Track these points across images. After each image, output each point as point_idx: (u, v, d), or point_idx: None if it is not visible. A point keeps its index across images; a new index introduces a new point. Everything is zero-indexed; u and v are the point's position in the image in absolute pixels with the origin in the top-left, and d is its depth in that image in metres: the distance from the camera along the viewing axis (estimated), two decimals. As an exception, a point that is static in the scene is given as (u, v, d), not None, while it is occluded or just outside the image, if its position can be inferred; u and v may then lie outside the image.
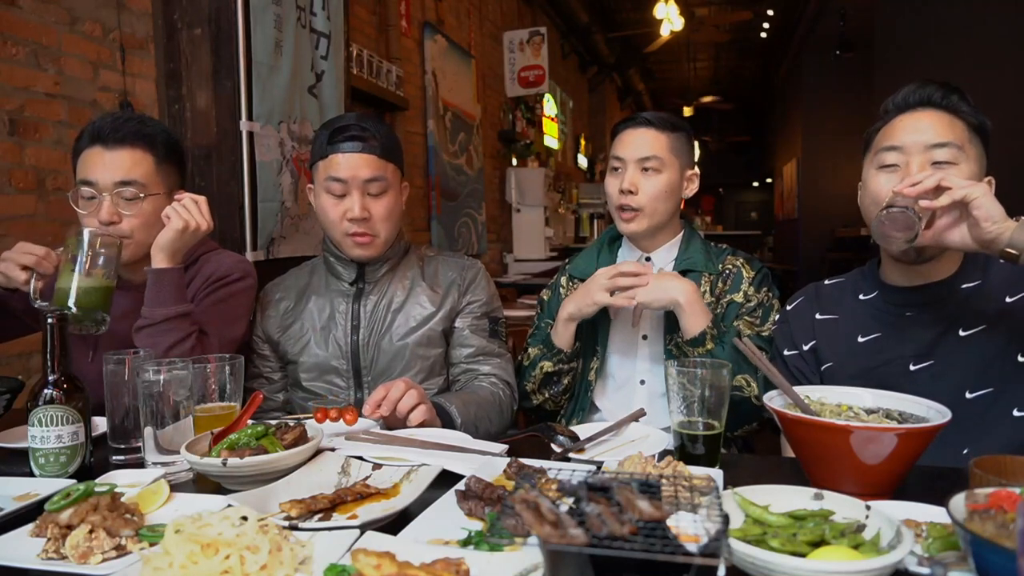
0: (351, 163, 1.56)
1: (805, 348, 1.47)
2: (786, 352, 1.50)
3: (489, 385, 1.64)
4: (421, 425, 1.35)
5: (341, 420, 1.32)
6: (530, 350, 1.73)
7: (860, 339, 1.40)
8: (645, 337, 1.72)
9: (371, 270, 1.67)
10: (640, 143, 1.68)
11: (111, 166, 1.55)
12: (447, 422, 1.45)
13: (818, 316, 1.48)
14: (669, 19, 8.21)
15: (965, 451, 1.22)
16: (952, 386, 1.26)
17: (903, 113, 1.32)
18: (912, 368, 1.32)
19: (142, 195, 1.57)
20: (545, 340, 1.69)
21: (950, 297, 1.33)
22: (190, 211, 1.52)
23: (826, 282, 1.55)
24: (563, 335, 1.65)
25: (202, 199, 1.56)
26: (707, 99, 13.54)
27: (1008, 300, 1.30)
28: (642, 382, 1.71)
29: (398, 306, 1.67)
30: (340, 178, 1.56)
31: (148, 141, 1.60)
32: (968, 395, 1.27)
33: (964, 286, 1.33)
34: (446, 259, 1.76)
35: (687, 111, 13.17)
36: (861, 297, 1.44)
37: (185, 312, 1.51)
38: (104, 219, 1.54)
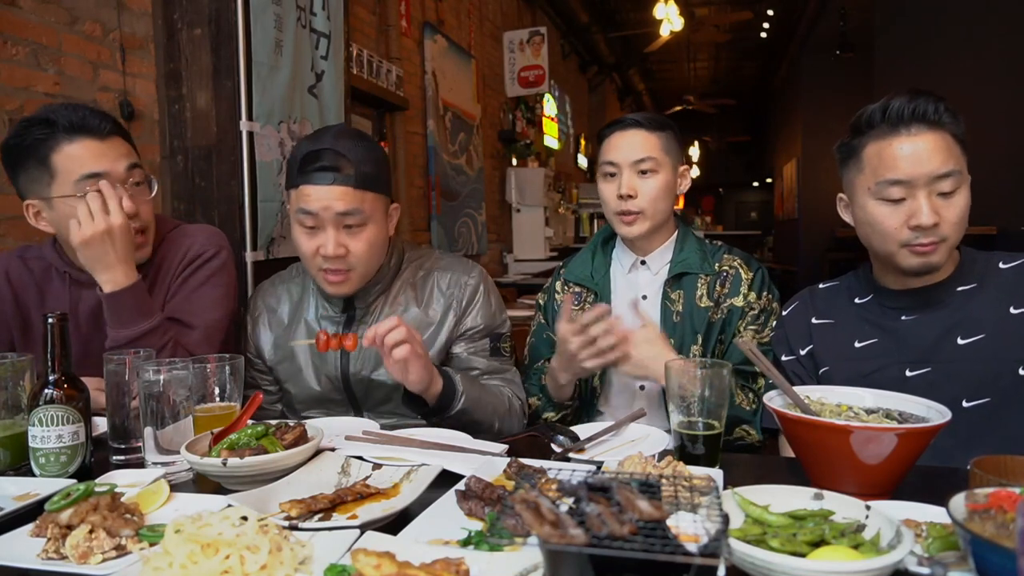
0: (322, 196, 1.42)
1: (802, 353, 1.46)
2: (784, 358, 1.49)
3: (496, 384, 1.61)
4: (410, 372, 1.33)
5: (342, 348, 1.37)
6: (531, 399, 1.71)
7: (856, 344, 1.39)
8: None
9: (361, 296, 1.59)
10: (633, 145, 1.66)
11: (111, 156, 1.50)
12: (449, 388, 1.42)
13: (814, 320, 1.47)
14: (669, 19, 8.20)
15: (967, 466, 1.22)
16: (949, 394, 1.25)
17: (898, 133, 1.28)
18: (909, 374, 1.32)
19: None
20: (543, 392, 1.68)
21: (947, 300, 1.33)
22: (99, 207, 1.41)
23: (820, 286, 1.54)
24: (564, 392, 1.64)
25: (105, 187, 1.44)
26: (707, 99, 13.54)
27: (1013, 311, 1.29)
28: (641, 387, 1.70)
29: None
30: (311, 211, 1.44)
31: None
32: (965, 404, 1.26)
33: (960, 288, 1.33)
34: (443, 274, 1.64)
35: (686, 111, 13.16)
36: (856, 301, 1.44)
37: (152, 327, 1.46)
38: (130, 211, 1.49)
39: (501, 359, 1.66)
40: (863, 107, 1.35)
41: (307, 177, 1.44)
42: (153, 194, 1.58)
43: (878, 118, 1.31)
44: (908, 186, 1.27)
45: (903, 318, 1.36)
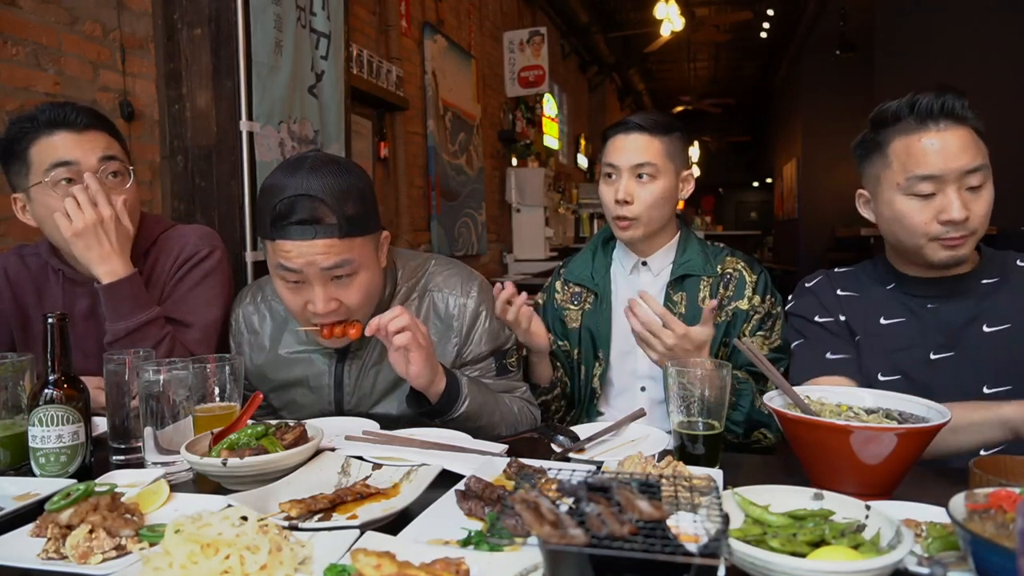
0: (304, 252, 1.27)
1: (842, 318, 1.44)
2: (818, 318, 1.45)
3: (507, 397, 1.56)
4: (411, 364, 1.29)
5: (345, 335, 1.34)
6: None
7: (883, 321, 1.39)
8: None
9: None
10: (633, 149, 1.63)
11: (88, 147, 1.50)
12: (453, 389, 1.37)
13: (840, 292, 1.46)
14: (669, 19, 8.21)
15: (981, 451, 1.24)
16: (971, 379, 1.26)
17: (927, 128, 1.28)
18: (933, 357, 1.33)
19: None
20: (525, 375, 1.67)
21: (972, 290, 1.35)
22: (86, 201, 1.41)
23: (836, 270, 1.53)
24: (538, 372, 1.63)
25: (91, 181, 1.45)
26: (707, 99, 13.53)
27: None
28: (643, 389, 1.70)
29: (390, 380, 1.50)
30: (293, 268, 1.30)
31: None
32: (986, 390, 1.28)
33: (985, 281, 1.35)
34: (439, 294, 1.52)
35: (686, 111, 13.16)
36: (880, 285, 1.44)
37: (150, 319, 1.46)
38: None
39: (509, 376, 1.58)
40: (883, 103, 1.34)
41: (283, 231, 1.27)
42: (128, 185, 1.56)
43: (905, 112, 1.30)
44: (939, 181, 1.27)
45: (929, 306, 1.37)
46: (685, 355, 1.37)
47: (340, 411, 1.54)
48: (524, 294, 1.49)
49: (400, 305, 1.32)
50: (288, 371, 1.54)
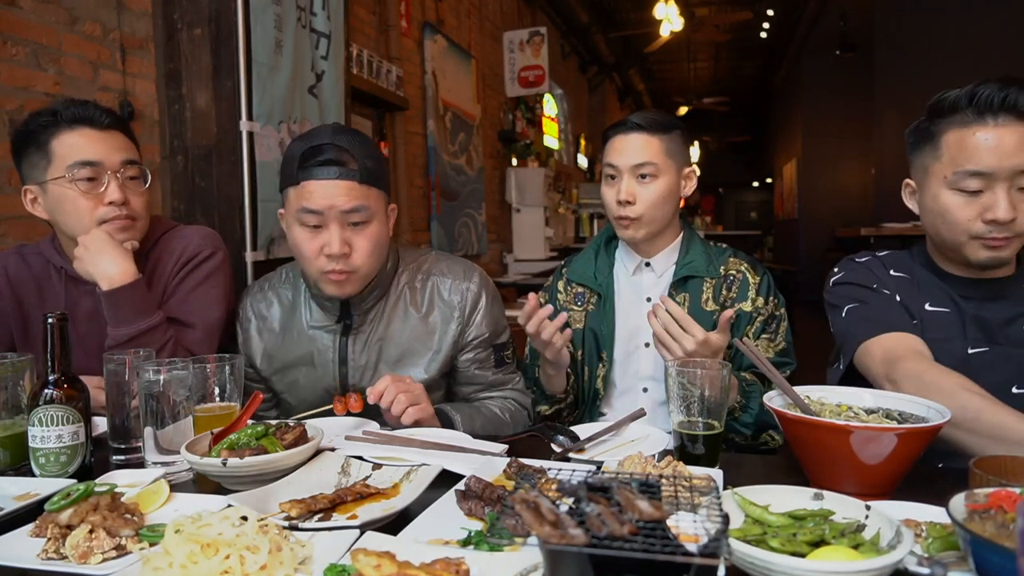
0: (327, 192, 1.38)
1: (897, 298, 1.40)
2: (876, 287, 1.40)
3: (499, 404, 1.61)
4: (416, 425, 1.35)
5: (348, 411, 1.38)
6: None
7: (927, 307, 1.36)
8: (647, 344, 1.68)
9: (356, 303, 1.53)
10: (633, 149, 1.62)
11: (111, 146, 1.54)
12: (448, 426, 1.44)
13: (893, 272, 1.43)
14: (669, 19, 8.21)
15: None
16: (1002, 378, 1.24)
17: (984, 123, 1.23)
18: (971, 351, 1.31)
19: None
20: (537, 384, 1.67)
21: (1014, 293, 1.33)
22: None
23: (880, 253, 1.49)
24: (554, 383, 1.63)
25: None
26: (707, 99, 13.53)
27: None
28: (645, 390, 1.70)
29: (393, 356, 1.56)
30: (315, 209, 1.38)
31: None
32: (1015, 390, 1.26)
33: None
34: (442, 279, 1.59)
35: (686, 111, 13.17)
36: (928, 271, 1.41)
37: (151, 326, 1.47)
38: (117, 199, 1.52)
39: (506, 368, 1.64)
40: (944, 91, 1.29)
41: (309, 172, 1.38)
42: (146, 185, 1.61)
43: (964, 103, 1.25)
44: (988, 179, 1.22)
45: (970, 304, 1.34)
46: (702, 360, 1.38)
47: (344, 388, 1.56)
48: (564, 314, 1.47)
49: (396, 377, 1.36)
50: (294, 350, 1.58)
